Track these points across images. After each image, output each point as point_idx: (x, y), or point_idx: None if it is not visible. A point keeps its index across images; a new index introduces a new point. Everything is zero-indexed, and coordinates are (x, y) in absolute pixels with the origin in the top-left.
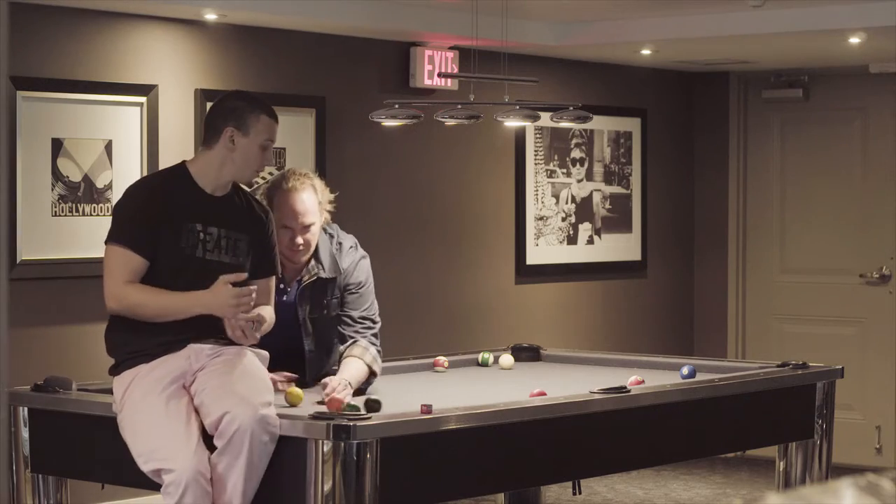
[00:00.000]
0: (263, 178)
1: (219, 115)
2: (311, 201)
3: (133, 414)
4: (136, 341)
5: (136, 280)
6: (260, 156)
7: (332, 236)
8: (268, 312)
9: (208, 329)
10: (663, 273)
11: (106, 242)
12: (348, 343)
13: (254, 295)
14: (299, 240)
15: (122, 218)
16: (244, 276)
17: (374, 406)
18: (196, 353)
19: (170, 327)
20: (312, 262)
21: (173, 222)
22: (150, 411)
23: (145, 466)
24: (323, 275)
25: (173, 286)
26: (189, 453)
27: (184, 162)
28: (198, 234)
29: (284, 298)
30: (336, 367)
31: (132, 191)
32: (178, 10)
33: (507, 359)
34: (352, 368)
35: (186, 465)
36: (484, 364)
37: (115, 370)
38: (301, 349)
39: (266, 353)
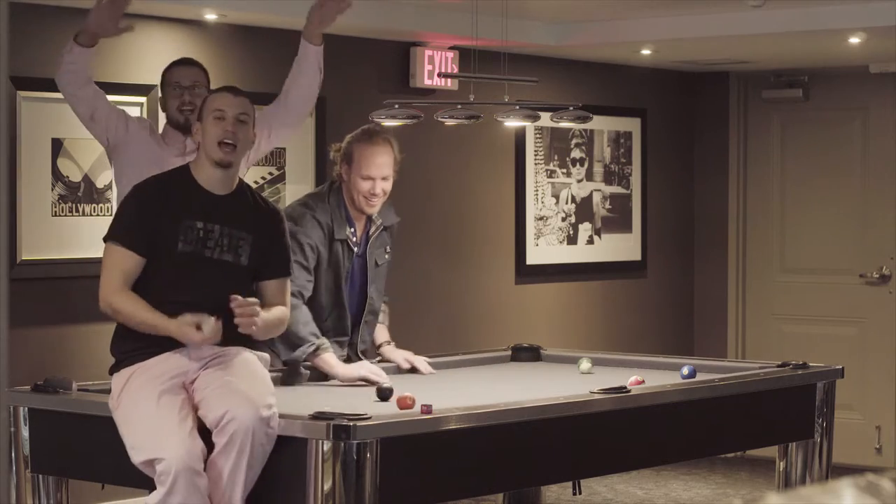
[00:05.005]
0: (263, 176)
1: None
2: (391, 155)
3: (128, 407)
4: (137, 340)
5: (130, 281)
6: (215, 127)
7: None
8: (281, 312)
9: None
10: (663, 273)
11: (105, 239)
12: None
13: (218, 335)
14: (378, 189)
15: (122, 215)
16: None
17: (385, 394)
18: (197, 353)
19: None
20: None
21: (173, 219)
22: (144, 404)
23: (137, 458)
24: (386, 223)
25: (172, 283)
26: (178, 443)
27: (188, 163)
28: (198, 231)
29: (356, 250)
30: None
31: (136, 189)
32: (178, 10)
33: (585, 364)
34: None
35: (176, 454)
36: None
37: (115, 367)
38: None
39: (267, 356)
